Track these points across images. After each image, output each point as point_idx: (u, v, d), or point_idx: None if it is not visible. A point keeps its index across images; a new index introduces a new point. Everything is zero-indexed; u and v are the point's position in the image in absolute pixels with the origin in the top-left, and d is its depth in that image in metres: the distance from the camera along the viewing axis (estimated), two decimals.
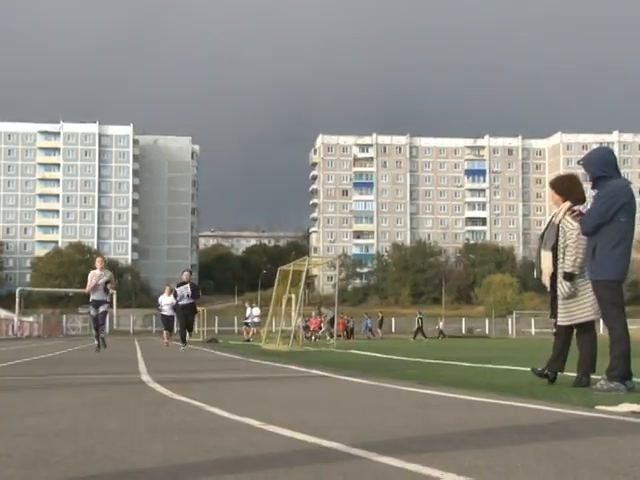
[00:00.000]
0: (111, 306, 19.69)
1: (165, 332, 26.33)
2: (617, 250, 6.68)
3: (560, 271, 7.26)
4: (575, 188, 7.54)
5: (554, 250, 7.33)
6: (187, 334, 22.42)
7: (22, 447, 3.50)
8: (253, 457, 3.23)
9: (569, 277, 7.19)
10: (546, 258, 7.39)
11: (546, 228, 7.56)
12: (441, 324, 70.37)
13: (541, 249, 7.51)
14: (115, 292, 23.95)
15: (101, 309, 18.76)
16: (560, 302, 7.30)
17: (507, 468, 2.98)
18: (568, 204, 7.39)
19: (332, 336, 42.17)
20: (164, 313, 26.08)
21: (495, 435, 3.88)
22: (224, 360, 13.67)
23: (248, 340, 36.32)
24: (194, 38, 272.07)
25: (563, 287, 7.22)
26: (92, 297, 18.65)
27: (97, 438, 3.77)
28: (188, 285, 22.21)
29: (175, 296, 22.59)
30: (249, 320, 39.68)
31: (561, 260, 7.27)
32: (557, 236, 7.31)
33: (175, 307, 23.69)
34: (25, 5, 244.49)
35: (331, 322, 46.17)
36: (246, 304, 42.64)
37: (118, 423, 4.39)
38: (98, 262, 19.21)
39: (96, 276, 18.65)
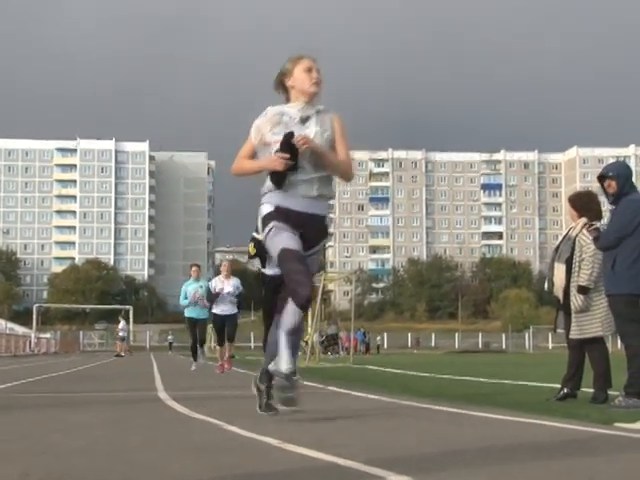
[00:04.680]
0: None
1: (220, 349, 16.55)
2: (637, 264, 6.66)
3: (574, 284, 7.28)
4: (592, 204, 7.57)
5: (568, 263, 7.34)
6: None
7: (41, 466, 3.52)
8: (270, 475, 3.24)
9: (583, 291, 7.20)
10: (559, 270, 7.42)
11: (561, 241, 7.59)
12: (378, 338, 76.76)
13: (555, 261, 7.53)
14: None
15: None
16: (573, 316, 7.32)
17: None
18: (585, 219, 7.40)
19: (337, 353, 42.26)
20: (220, 312, 15.91)
21: (512, 453, 3.87)
22: (241, 376, 13.67)
23: (119, 355, 37.41)
24: (209, 54, 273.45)
25: (577, 300, 7.24)
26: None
27: (115, 457, 3.79)
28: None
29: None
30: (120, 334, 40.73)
31: (576, 274, 7.29)
32: (572, 250, 7.34)
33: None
34: (42, 23, 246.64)
35: (333, 338, 46.09)
36: (119, 317, 43.53)
37: (136, 442, 4.41)
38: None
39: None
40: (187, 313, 17.35)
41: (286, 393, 5.33)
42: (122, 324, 40.76)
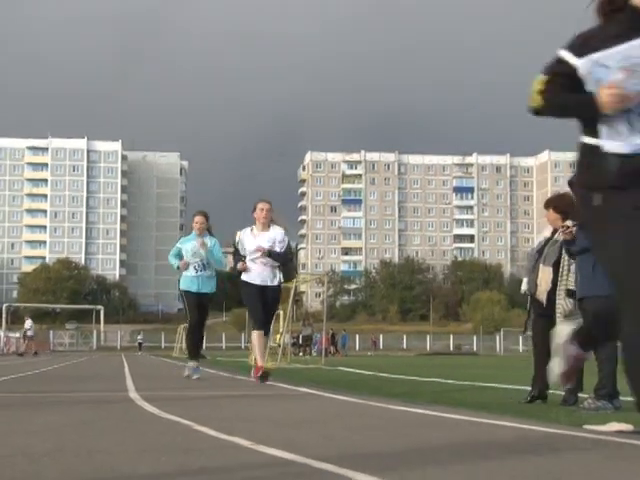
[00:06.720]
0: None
1: (257, 333, 10.71)
2: None
3: (563, 288, 7.26)
4: (574, 205, 7.59)
5: (555, 266, 7.33)
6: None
7: (8, 468, 3.48)
8: (240, 477, 3.22)
9: (572, 294, 7.20)
10: (546, 274, 7.41)
11: (545, 244, 7.59)
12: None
13: (539, 264, 7.51)
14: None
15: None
16: (558, 319, 7.32)
17: None
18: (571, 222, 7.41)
19: (309, 354, 42.53)
20: (252, 280, 10.36)
21: (482, 454, 3.88)
22: (212, 377, 13.62)
23: (22, 354, 37.72)
24: (183, 55, 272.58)
25: (566, 304, 7.23)
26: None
27: (84, 458, 3.76)
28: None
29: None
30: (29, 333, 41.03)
31: (565, 277, 7.26)
32: (560, 253, 7.32)
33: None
34: (14, 20, 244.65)
35: (309, 339, 46.46)
36: (26, 317, 44.23)
37: (105, 443, 4.37)
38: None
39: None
40: (183, 284, 11.91)
41: None
42: (29, 323, 40.89)
